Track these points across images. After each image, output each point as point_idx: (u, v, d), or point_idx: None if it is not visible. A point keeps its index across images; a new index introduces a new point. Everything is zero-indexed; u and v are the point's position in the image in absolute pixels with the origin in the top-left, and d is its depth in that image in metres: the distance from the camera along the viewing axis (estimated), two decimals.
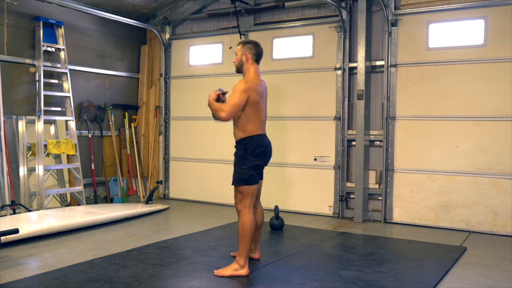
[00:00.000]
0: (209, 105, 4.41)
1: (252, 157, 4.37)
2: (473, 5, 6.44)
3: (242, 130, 4.40)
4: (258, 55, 4.55)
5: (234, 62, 4.60)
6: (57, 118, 7.42)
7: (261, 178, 4.64)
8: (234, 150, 4.53)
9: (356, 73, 7.14)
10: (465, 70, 6.52)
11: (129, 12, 8.55)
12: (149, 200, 7.83)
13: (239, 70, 4.58)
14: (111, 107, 8.46)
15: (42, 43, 7.18)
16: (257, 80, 4.45)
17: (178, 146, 8.97)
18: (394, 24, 6.95)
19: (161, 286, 4.11)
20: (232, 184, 4.44)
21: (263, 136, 4.51)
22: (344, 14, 7.25)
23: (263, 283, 4.22)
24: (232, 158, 4.29)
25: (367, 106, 7.04)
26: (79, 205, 7.46)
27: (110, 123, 8.45)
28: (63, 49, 7.51)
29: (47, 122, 7.37)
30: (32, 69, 7.21)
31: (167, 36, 8.96)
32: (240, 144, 4.42)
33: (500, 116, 6.29)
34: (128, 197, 8.60)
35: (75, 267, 4.56)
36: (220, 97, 4.46)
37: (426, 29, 6.77)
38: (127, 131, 8.74)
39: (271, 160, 4.67)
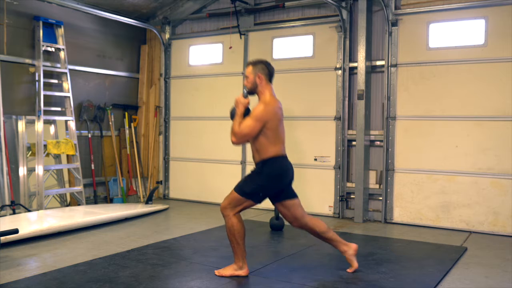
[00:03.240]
0: (233, 113, 4.26)
1: (266, 179, 4.23)
2: (474, 5, 6.44)
3: (262, 153, 4.24)
4: (271, 75, 4.39)
5: (246, 84, 4.35)
6: (57, 118, 7.42)
7: (294, 196, 4.42)
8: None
9: (356, 73, 7.14)
10: (466, 70, 6.51)
11: (129, 12, 8.54)
12: (149, 200, 7.83)
13: (253, 92, 4.35)
14: (111, 107, 8.45)
15: (42, 43, 7.17)
16: (275, 102, 4.27)
17: (178, 146, 8.97)
18: (394, 24, 6.95)
19: (161, 286, 4.10)
20: (234, 189, 4.31)
21: (284, 159, 4.32)
22: (345, 14, 7.24)
23: (263, 283, 4.22)
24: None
25: (367, 106, 7.04)
26: (79, 205, 7.45)
27: (110, 123, 8.45)
28: (63, 49, 7.50)
29: (47, 122, 7.37)
30: (32, 69, 7.21)
31: (167, 36, 8.96)
32: (262, 165, 4.25)
33: (501, 116, 6.29)
34: (128, 197, 8.60)
35: (75, 267, 4.56)
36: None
37: (427, 29, 6.77)
38: (127, 131, 8.74)
39: None
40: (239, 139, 4.19)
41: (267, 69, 4.38)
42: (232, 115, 4.30)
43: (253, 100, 4.33)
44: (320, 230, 4.43)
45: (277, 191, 4.35)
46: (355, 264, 4.47)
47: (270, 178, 4.24)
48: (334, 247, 4.51)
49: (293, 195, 4.42)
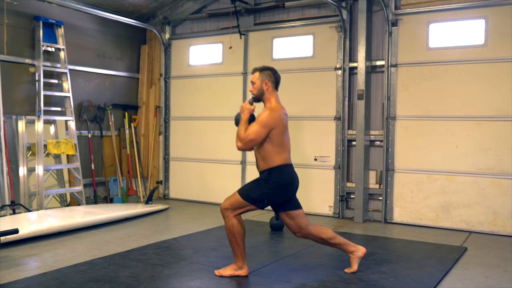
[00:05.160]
0: (238, 119, 4.25)
1: (273, 187, 4.19)
2: (474, 5, 6.44)
3: (267, 161, 4.21)
4: (277, 82, 4.37)
5: (252, 90, 4.33)
6: (57, 118, 7.42)
7: (298, 207, 4.39)
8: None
9: (356, 73, 7.14)
10: (466, 70, 6.51)
11: (129, 12, 8.54)
12: (149, 200, 7.83)
13: (259, 99, 4.33)
14: (111, 107, 8.45)
15: (42, 43, 7.17)
16: (281, 109, 4.25)
17: (178, 146, 8.97)
18: (394, 24, 6.95)
19: (161, 286, 4.11)
20: (238, 191, 4.28)
21: (291, 168, 4.30)
22: (345, 14, 7.24)
23: (263, 283, 4.22)
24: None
25: (367, 106, 7.04)
26: (79, 205, 7.45)
27: (110, 123, 8.45)
28: (63, 49, 7.51)
29: (47, 122, 7.37)
30: (32, 69, 7.21)
31: (167, 36, 8.96)
32: (267, 174, 4.21)
33: (501, 116, 6.29)
34: (128, 197, 8.60)
35: (75, 267, 4.56)
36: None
37: (427, 29, 6.77)
38: (127, 131, 8.74)
39: None
40: (245, 145, 4.17)
41: (273, 76, 4.36)
42: (237, 121, 4.29)
43: (258, 107, 4.31)
44: (327, 237, 4.41)
45: (283, 201, 4.33)
46: (355, 267, 4.46)
47: (278, 187, 4.21)
48: (343, 250, 4.50)
49: (298, 206, 4.40)
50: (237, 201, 4.22)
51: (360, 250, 4.47)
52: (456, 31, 6.61)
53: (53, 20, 7.42)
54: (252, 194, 4.21)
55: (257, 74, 4.35)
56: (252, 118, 4.27)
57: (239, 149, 4.24)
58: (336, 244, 4.44)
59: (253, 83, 4.35)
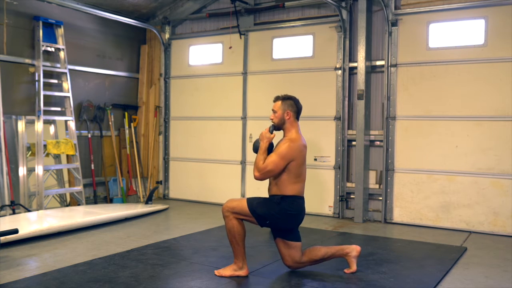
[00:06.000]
0: (257, 146, 4.24)
1: (281, 214, 4.19)
2: (474, 5, 6.44)
3: (281, 188, 4.20)
4: (299, 112, 4.36)
5: (272, 119, 4.31)
6: (56, 118, 7.41)
7: (298, 239, 4.37)
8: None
9: (356, 73, 7.14)
10: (466, 70, 6.51)
11: (129, 12, 8.54)
12: (149, 200, 7.82)
13: (279, 128, 4.32)
14: (110, 107, 8.45)
15: (41, 43, 7.17)
16: (300, 140, 4.25)
17: (178, 146, 8.97)
18: (394, 24, 6.95)
19: (161, 286, 4.10)
20: (247, 200, 4.23)
21: (302, 201, 4.30)
22: (344, 14, 7.24)
23: (263, 283, 4.22)
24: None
25: (367, 106, 7.04)
26: (78, 205, 7.45)
27: (110, 123, 8.45)
28: (63, 49, 7.50)
29: (46, 122, 7.37)
30: (31, 69, 7.21)
31: (167, 36, 8.95)
32: (278, 199, 4.20)
33: (501, 116, 6.29)
34: (128, 197, 8.59)
35: (75, 267, 4.55)
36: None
37: (426, 29, 6.77)
38: (127, 131, 8.74)
39: None
40: (263, 175, 4.16)
41: (296, 107, 4.34)
42: (256, 148, 4.28)
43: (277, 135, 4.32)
44: (319, 256, 4.39)
45: (285, 229, 4.33)
46: (354, 267, 4.46)
47: (286, 215, 4.21)
48: (340, 257, 4.48)
49: (298, 238, 4.40)
50: (242, 208, 4.21)
51: (354, 250, 4.46)
52: (456, 31, 6.61)
53: (53, 20, 7.42)
54: (258, 210, 4.20)
55: (279, 103, 4.32)
56: (271, 147, 4.26)
57: (256, 178, 4.21)
58: (331, 256, 4.43)
59: (274, 111, 4.31)
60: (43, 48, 7.21)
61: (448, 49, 6.65)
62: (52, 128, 7.47)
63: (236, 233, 4.21)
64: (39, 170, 6.87)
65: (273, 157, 4.15)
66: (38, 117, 7.02)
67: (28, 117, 7.09)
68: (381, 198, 7.07)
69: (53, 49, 7.48)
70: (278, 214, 4.20)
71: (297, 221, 4.34)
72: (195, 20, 8.82)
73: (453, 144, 6.59)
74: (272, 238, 4.26)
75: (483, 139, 6.40)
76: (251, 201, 4.25)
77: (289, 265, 4.42)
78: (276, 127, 4.33)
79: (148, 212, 7.34)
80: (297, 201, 4.26)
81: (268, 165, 4.13)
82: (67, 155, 7.53)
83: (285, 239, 4.36)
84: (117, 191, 8.48)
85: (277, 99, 4.37)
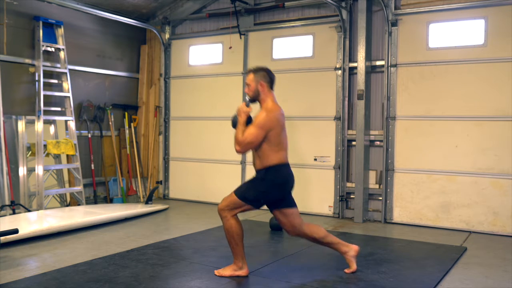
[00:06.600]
0: (235, 122, 4.25)
1: (269, 186, 4.21)
2: (473, 5, 6.44)
3: (264, 160, 4.21)
4: (272, 82, 4.35)
5: (247, 92, 4.35)
6: (56, 118, 7.42)
7: (293, 205, 4.38)
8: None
9: (356, 73, 7.14)
10: (466, 70, 6.51)
11: (129, 12, 8.54)
12: (149, 200, 7.82)
13: (255, 100, 4.32)
14: (110, 107, 8.45)
15: (41, 43, 7.17)
16: (277, 109, 4.25)
17: (177, 146, 8.97)
18: (394, 24, 6.95)
19: (161, 286, 4.10)
20: (235, 191, 4.29)
21: (287, 167, 4.31)
22: (344, 14, 7.24)
23: (263, 283, 4.22)
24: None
25: (367, 106, 7.04)
26: (78, 205, 7.45)
27: (110, 123, 8.45)
28: (63, 49, 7.50)
29: (46, 122, 7.37)
30: (31, 69, 7.21)
31: (167, 36, 8.96)
32: (263, 173, 4.23)
33: (500, 116, 6.29)
34: (128, 197, 8.59)
35: (75, 267, 4.56)
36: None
37: (426, 29, 6.77)
38: (127, 131, 8.74)
39: None
40: (243, 148, 4.18)
41: (268, 77, 4.33)
42: (234, 124, 4.29)
43: (255, 108, 4.32)
44: (320, 236, 4.41)
45: (278, 199, 4.33)
46: (354, 266, 4.46)
47: (274, 186, 4.23)
48: (335, 250, 4.50)
49: (293, 204, 4.39)
50: (234, 201, 4.24)
51: (353, 249, 4.47)
52: (456, 31, 6.61)
53: (53, 20, 7.42)
54: (248, 195, 4.21)
55: (251, 75, 4.33)
56: (249, 120, 4.27)
57: (238, 152, 4.25)
58: (329, 243, 4.44)
59: (248, 85, 4.33)
60: (43, 48, 7.21)
61: (448, 49, 6.65)
62: (52, 128, 7.47)
63: (235, 233, 4.21)
64: (39, 170, 6.87)
65: (251, 129, 4.16)
66: (38, 117, 7.02)
67: (28, 117, 7.09)
68: (381, 198, 7.07)
69: (53, 49, 7.48)
70: (267, 189, 4.21)
71: (287, 188, 4.33)
72: (195, 20, 8.83)
73: (453, 144, 6.59)
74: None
75: (483, 139, 6.40)
76: (239, 190, 4.26)
77: (289, 231, 4.39)
78: (252, 100, 4.34)
79: (148, 212, 7.34)
80: (282, 168, 4.26)
81: (247, 137, 4.14)
82: (67, 155, 7.54)
83: (281, 208, 4.34)
84: (117, 191, 8.48)
85: (249, 72, 4.39)
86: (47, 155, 7.17)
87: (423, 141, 6.79)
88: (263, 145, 4.20)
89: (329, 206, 7.38)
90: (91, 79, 8.25)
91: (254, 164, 4.35)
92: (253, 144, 4.17)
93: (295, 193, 4.23)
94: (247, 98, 4.37)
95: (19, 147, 6.94)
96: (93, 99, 8.23)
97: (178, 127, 8.96)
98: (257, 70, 4.34)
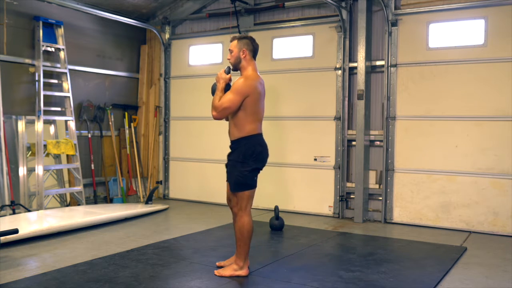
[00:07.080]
0: (214, 89, 4.27)
1: (251, 160, 4.21)
2: (473, 5, 6.44)
3: (240, 129, 4.23)
4: (255, 51, 4.38)
5: (229, 59, 4.36)
6: (56, 118, 7.41)
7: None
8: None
9: (356, 73, 7.14)
10: (466, 70, 6.51)
11: (129, 12, 8.54)
12: (149, 200, 7.82)
13: (236, 67, 4.34)
14: (110, 107, 8.45)
15: (41, 43, 7.17)
16: (256, 77, 4.28)
17: (178, 146, 8.97)
18: (394, 24, 6.95)
19: (161, 286, 4.10)
20: (232, 191, 4.28)
21: (260, 136, 4.34)
22: (344, 14, 7.24)
23: (263, 283, 4.22)
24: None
25: (367, 106, 7.04)
26: (78, 205, 7.45)
27: (110, 123, 8.45)
28: (63, 49, 7.50)
29: (46, 122, 7.37)
30: (31, 69, 7.21)
31: (167, 36, 8.95)
32: (238, 143, 4.24)
33: (501, 116, 6.29)
34: (128, 197, 8.59)
35: (75, 267, 4.56)
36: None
37: (426, 29, 6.77)
38: (127, 131, 8.74)
39: (271, 160, 4.61)
40: (219, 113, 4.19)
41: (252, 45, 4.35)
42: (213, 91, 4.31)
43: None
44: (237, 234, 4.30)
45: (258, 168, 4.32)
46: (225, 272, 4.34)
47: (255, 157, 4.23)
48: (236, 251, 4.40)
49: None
50: (242, 198, 4.23)
51: (243, 270, 4.32)
52: (456, 31, 6.61)
53: (53, 20, 7.42)
54: (240, 180, 4.20)
55: (235, 42, 4.34)
56: (228, 87, 4.27)
57: (214, 118, 4.24)
58: (237, 245, 4.32)
59: (230, 51, 4.35)
60: (43, 48, 7.21)
61: (448, 49, 6.65)
62: (52, 128, 7.47)
63: (246, 230, 4.22)
64: (39, 170, 6.87)
65: (228, 95, 4.17)
66: (38, 117, 7.02)
67: (28, 117, 7.09)
68: (381, 198, 7.07)
69: (53, 49, 7.48)
70: (252, 161, 4.20)
71: (265, 157, 4.33)
72: (195, 20, 8.82)
73: (453, 144, 6.59)
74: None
75: (483, 139, 6.40)
76: (236, 187, 4.23)
77: (234, 209, 4.34)
78: (233, 67, 4.35)
79: (148, 212, 7.34)
80: (256, 137, 4.26)
81: (224, 102, 4.15)
82: (67, 155, 7.54)
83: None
84: (117, 191, 8.48)
85: (233, 38, 4.39)
86: (47, 155, 7.17)
87: (423, 141, 6.79)
88: (239, 113, 4.20)
89: (329, 206, 7.38)
90: (91, 79, 8.25)
91: (229, 134, 4.34)
92: (230, 109, 4.17)
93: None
94: (228, 66, 4.37)
95: (19, 147, 6.94)
96: (93, 99, 8.22)
97: (178, 127, 8.96)
98: (241, 38, 4.37)
